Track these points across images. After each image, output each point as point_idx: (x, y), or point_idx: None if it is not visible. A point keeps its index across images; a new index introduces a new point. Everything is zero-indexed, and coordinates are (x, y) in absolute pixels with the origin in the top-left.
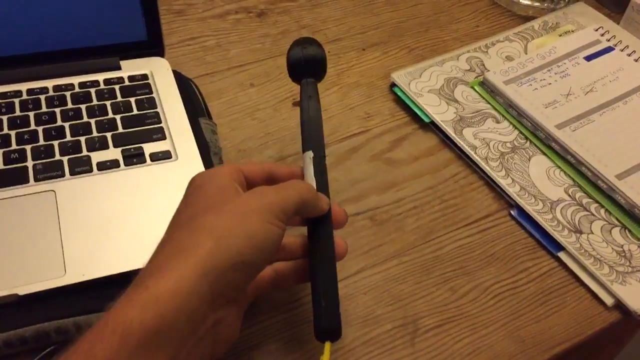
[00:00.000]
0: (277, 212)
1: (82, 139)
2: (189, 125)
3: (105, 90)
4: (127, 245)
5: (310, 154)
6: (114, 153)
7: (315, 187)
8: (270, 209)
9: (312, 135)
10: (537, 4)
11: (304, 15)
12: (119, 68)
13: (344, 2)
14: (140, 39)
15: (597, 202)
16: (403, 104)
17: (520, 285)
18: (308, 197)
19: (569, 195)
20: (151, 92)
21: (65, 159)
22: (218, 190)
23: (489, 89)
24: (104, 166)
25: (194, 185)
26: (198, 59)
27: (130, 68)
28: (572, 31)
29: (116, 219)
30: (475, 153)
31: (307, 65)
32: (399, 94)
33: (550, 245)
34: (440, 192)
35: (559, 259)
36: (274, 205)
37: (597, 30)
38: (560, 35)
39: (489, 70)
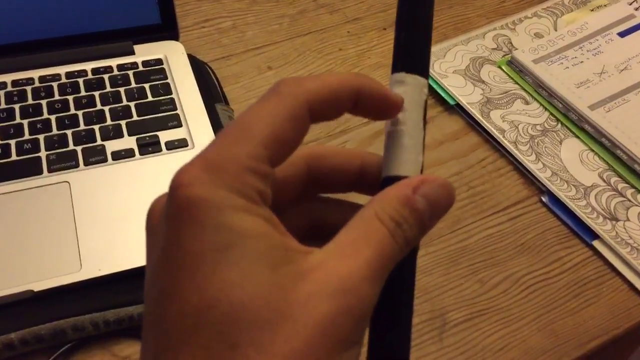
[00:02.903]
0: (382, 266)
1: (96, 127)
2: (205, 111)
3: (119, 76)
4: (143, 239)
5: (409, 79)
6: (128, 142)
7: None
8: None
9: (416, 42)
10: None
11: None
12: (132, 53)
13: None
14: (154, 22)
15: (633, 187)
16: None
17: (553, 276)
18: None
19: (604, 180)
20: (166, 78)
21: (79, 148)
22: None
23: (517, 69)
24: (118, 156)
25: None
26: (213, 41)
27: (144, 53)
28: (605, 5)
29: (132, 210)
30: (504, 137)
31: None
32: None
33: (584, 233)
34: (467, 178)
35: (593, 248)
36: (376, 261)
37: (630, 4)
38: (592, 10)
39: (517, 49)
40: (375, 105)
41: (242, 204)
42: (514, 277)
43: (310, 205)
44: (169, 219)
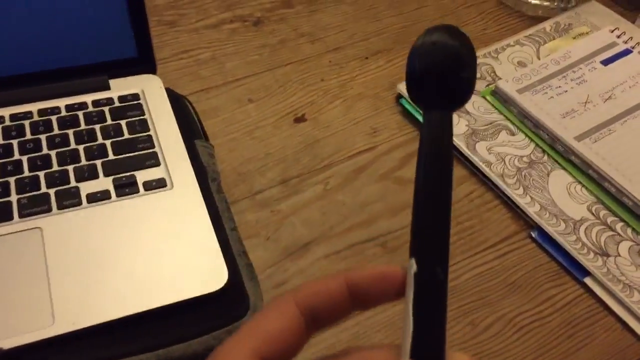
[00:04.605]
0: None
1: (70, 168)
2: (185, 148)
3: (94, 113)
4: (121, 288)
5: (414, 266)
6: (104, 183)
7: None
8: None
9: (430, 225)
10: (546, 3)
11: (302, 23)
12: (108, 88)
13: (344, 7)
14: (130, 56)
15: (622, 220)
16: (411, 117)
17: (545, 316)
18: None
19: (593, 214)
20: (143, 114)
21: (52, 191)
22: None
23: (501, 99)
24: (94, 198)
25: None
26: (192, 73)
27: (120, 87)
28: (587, 33)
29: (108, 257)
30: (491, 170)
31: (446, 78)
32: (407, 106)
33: (576, 270)
34: (455, 213)
35: (585, 285)
36: None
37: (612, 31)
38: (574, 38)
39: (500, 78)
40: (376, 287)
41: None
42: (505, 319)
43: None
44: None
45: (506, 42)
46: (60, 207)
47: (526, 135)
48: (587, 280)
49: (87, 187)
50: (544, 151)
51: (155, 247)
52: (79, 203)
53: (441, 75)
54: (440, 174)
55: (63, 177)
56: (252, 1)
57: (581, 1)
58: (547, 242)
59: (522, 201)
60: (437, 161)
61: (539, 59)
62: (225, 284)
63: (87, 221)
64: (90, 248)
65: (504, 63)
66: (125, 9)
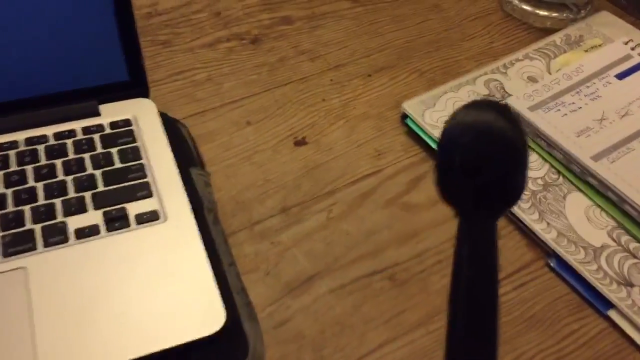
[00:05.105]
0: None
1: (57, 201)
2: (179, 178)
3: (84, 141)
4: (110, 333)
5: None
6: (93, 217)
7: None
8: None
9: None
10: (555, 14)
11: (302, 40)
12: (98, 114)
13: (345, 22)
14: (121, 79)
15: None
16: (417, 138)
17: (567, 353)
18: None
19: (614, 240)
20: (135, 141)
21: (37, 227)
22: None
23: None
24: (82, 234)
25: None
26: (187, 95)
27: (111, 113)
28: (599, 46)
29: (97, 299)
30: None
31: (502, 180)
32: (412, 126)
33: (598, 302)
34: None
35: (609, 319)
36: None
37: (626, 43)
38: (586, 51)
39: (510, 95)
40: None
41: None
42: (525, 357)
43: None
44: None
45: (515, 57)
46: (47, 244)
47: (539, 155)
48: (611, 313)
49: (75, 222)
50: (559, 172)
51: (147, 286)
52: (67, 240)
53: (495, 177)
54: (488, 304)
55: (49, 212)
56: (249, 18)
57: (591, 11)
58: (566, 271)
59: (538, 227)
60: (485, 289)
61: (549, 73)
62: (223, 326)
63: (75, 260)
64: (78, 289)
65: (513, 78)
66: (115, 30)
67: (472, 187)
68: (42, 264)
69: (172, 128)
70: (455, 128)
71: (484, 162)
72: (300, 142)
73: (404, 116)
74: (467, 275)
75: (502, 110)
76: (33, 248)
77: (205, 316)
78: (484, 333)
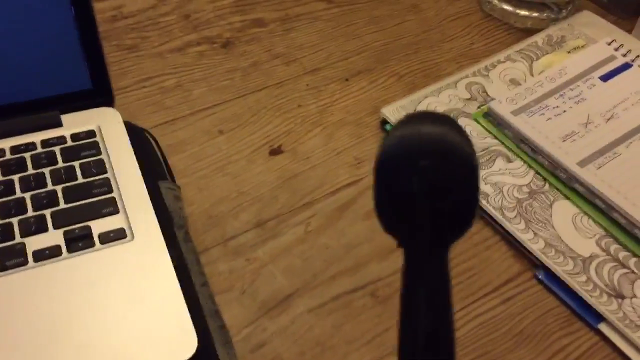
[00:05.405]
0: None
1: (15, 220)
2: (147, 192)
3: (43, 155)
4: None
5: None
6: (54, 237)
7: None
8: None
9: None
10: (535, 14)
11: (276, 43)
12: (59, 124)
13: (320, 25)
14: (84, 88)
15: (636, 255)
16: None
17: None
18: None
19: (603, 249)
20: (100, 153)
21: None
22: None
23: (495, 122)
24: (41, 255)
25: None
26: (155, 103)
27: (73, 123)
28: (582, 47)
29: (59, 327)
30: (488, 202)
31: (444, 201)
32: None
33: (588, 315)
34: (452, 253)
35: (600, 332)
36: None
37: (609, 44)
38: (569, 52)
39: (493, 99)
40: None
41: None
42: None
43: None
44: None
45: (496, 58)
46: (2, 268)
47: (524, 161)
48: (602, 327)
49: (34, 243)
50: (544, 179)
51: (112, 313)
52: (24, 262)
53: (462, 198)
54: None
55: (6, 232)
56: (220, 21)
57: (572, 11)
58: (554, 283)
59: (525, 237)
60: (445, 341)
61: (532, 75)
62: (195, 353)
63: (34, 284)
64: (37, 317)
65: (495, 81)
66: (75, 35)
67: (428, 213)
68: None
69: (140, 138)
70: (404, 144)
71: (449, 183)
72: (275, 151)
73: (384, 122)
74: (424, 324)
75: (449, 122)
76: None
77: (176, 343)
78: None
